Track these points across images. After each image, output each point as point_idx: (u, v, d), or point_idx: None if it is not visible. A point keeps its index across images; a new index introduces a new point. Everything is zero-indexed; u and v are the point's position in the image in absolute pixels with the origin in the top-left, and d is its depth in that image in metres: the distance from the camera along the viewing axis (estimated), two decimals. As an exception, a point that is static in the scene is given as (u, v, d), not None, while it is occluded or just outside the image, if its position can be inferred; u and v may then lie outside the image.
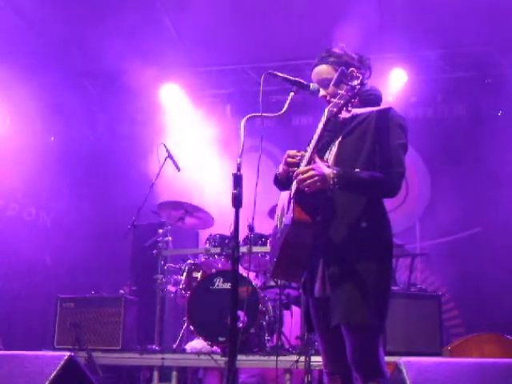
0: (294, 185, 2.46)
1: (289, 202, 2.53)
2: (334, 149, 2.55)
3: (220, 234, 5.59)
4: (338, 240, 2.43)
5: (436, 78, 7.02)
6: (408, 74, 6.89)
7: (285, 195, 2.68)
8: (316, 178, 2.34)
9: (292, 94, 2.63)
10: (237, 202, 2.36)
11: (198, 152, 7.44)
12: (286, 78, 2.65)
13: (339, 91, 2.38)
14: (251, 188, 2.56)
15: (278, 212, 2.74)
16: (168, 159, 5.73)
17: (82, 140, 7.97)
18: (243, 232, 5.53)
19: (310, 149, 2.45)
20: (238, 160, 2.41)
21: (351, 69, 2.58)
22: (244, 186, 2.39)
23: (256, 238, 5.54)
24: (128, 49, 6.18)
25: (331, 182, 2.35)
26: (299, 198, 2.41)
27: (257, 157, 2.52)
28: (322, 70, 2.63)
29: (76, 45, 6.38)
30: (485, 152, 6.64)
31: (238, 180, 2.38)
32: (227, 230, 5.46)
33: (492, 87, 6.88)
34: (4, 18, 6.00)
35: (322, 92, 2.61)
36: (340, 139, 2.55)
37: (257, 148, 2.53)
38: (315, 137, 2.44)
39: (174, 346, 5.20)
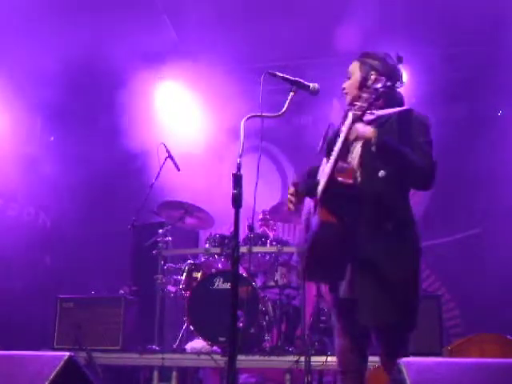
0: (320, 189, 2.47)
1: (315, 205, 2.55)
2: (358, 150, 2.55)
3: (220, 234, 5.59)
4: (366, 241, 2.44)
5: (436, 78, 7.02)
6: (408, 73, 6.88)
7: (309, 199, 2.73)
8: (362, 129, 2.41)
9: (292, 93, 2.64)
10: (237, 202, 2.36)
11: (198, 152, 7.44)
12: (285, 78, 2.66)
13: (363, 94, 2.40)
14: (251, 188, 2.56)
15: (304, 216, 2.77)
16: (168, 159, 5.74)
17: (82, 140, 7.97)
18: (243, 232, 5.55)
19: (335, 152, 2.43)
20: (238, 160, 2.41)
21: (373, 74, 2.63)
22: (244, 186, 2.39)
23: (256, 238, 5.55)
24: (128, 48, 6.18)
25: (374, 139, 2.39)
26: (326, 200, 2.42)
27: (257, 157, 2.52)
28: (353, 64, 2.73)
29: (76, 44, 6.38)
30: (485, 152, 6.63)
31: (237, 180, 2.38)
32: (227, 230, 5.47)
33: (492, 87, 6.88)
34: (4, 17, 6.00)
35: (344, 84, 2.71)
36: (363, 141, 2.54)
37: (257, 148, 2.53)
38: (341, 140, 2.41)
39: (174, 345, 5.20)
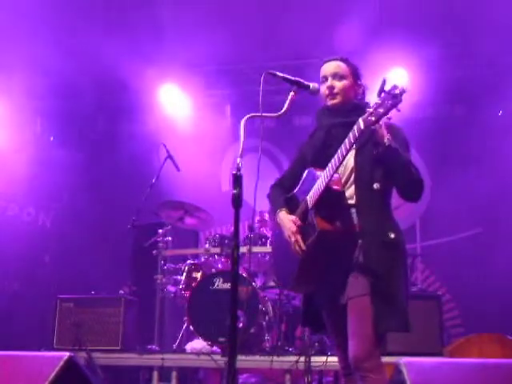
0: (310, 200, 2.55)
1: (302, 215, 2.62)
2: (351, 162, 2.59)
3: (220, 234, 5.59)
4: (372, 250, 2.50)
5: (437, 78, 7.01)
6: (408, 73, 6.87)
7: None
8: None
9: (292, 93, 2.63)
10: (237, 202, 2.35)
11: (197, 152, 7.44)
12: (285, 78, 2.65)
13: (380, 101, 2.32)
14: (251, 188, 2.56)
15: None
16: (168, 159, 5.75)
17: (82, 140, 7.98)
18: (243, 232, 5.55)
19: (336, 161, 2.45)
20: (238, 160, 2.40)
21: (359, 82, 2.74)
22: (244, 186, 2.39)
23: (256, 238, 5.54)
24: (128, 49, 6.17)
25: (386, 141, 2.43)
26: (321, 208, 2.49)
27: (257, 157, 2.52)
28: (338, 64, 2.74)
29: (76, 44, 6.38)
30: (485, 152, 6.64)
31: (237, 180, 2.37)
32: (227, 230, 5.46)
33: (492, 87, 6.87)
34: (5, 17, 6.00)
35: (329, 82, 2.69)
36: (356, 150, 2.57)
37: (257, 148, 2.53)
38: (345, 148, 2.42)
39: (174, 346, 5.20)
